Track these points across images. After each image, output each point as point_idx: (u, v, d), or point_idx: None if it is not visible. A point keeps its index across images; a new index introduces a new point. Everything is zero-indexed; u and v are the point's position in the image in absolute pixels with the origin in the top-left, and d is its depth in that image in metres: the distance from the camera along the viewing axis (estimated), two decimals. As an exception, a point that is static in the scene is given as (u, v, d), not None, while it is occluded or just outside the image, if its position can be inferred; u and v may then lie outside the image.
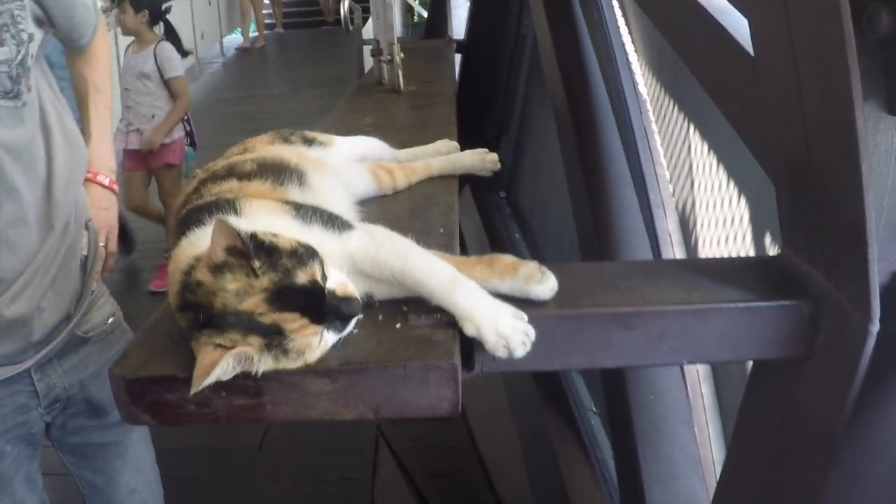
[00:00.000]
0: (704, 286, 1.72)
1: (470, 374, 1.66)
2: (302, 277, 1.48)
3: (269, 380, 1.52)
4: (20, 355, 2.34)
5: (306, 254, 1.52)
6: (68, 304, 2.44)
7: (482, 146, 2.62)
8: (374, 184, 2.34)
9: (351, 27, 8.09)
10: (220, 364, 1.44)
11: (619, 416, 2.88)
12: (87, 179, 2.60)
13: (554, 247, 4.36)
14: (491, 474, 4.43)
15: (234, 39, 19.61)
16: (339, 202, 2.04)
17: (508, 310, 1.58)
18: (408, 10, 14.29)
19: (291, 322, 1.47)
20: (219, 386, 1.49)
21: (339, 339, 1.57)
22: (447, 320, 1.60)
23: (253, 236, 1.50)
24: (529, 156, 5.02)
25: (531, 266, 1.64)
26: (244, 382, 1.51)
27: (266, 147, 2.21)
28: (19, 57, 2.19)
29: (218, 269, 1.48)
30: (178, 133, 7.16)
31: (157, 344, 1.64)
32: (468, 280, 1.61)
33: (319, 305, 1.49)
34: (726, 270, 1.80)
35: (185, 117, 7.26)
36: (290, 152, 2.11)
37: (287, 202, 1.70)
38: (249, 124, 3.47)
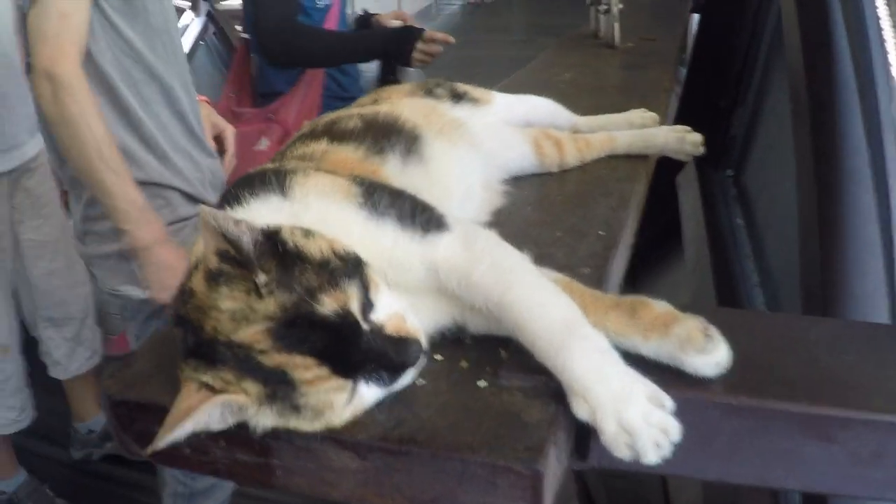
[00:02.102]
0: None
1: (582, 465, 1.05)
2: (327, 305, 0.93)
3: (278, 438, 0.99)
4: None
5: (342, 268, 0.96)
6: None
7: (713, 114, 1.92)
8: (535, 157, 1.73)
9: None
10: (196, 413, 0.95)
11: None
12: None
13: (778, 240, 3.51)
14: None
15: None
16: (463, 183, 1.46)
17: (644, 388, 0.96)
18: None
19: (303, 370, 0.93)
20: (216, 433, 0.99)
21: (388, 395, 0.99)
22: (554, 387, 1.01)
23: (271, 235, 0.96)
24: (763, 132, 4.18)
25: (692, 325, 1.01)
26: (247, 434, 0.99)
27: (399, 99, 1.64)
28: None
29: (213, 278, 0.97)
30: None
31: (165, 357, 1.12)
32: (593, 333, 1.00)
33: (349, 349, 0.94)
34: None
35: None
36: (420, 109, 1.54)
37: (361, 182, 1.12)
38: (477, 68, 3.00)
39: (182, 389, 0.97)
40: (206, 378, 0.96)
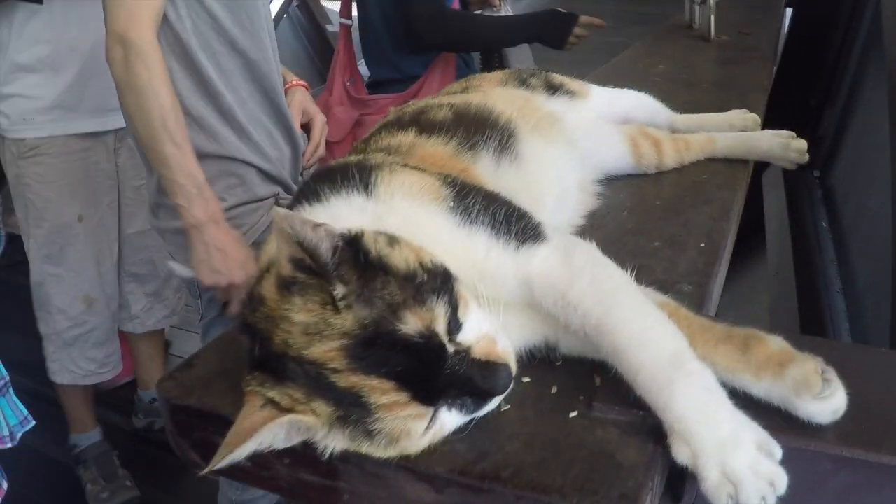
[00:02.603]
0: None
1: (677, 509, 0.93)
2: (411, 323, 0.82)
3: (347, 461, 0.89)
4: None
5: (430, 283, 0.85)
6: None
7: (802, 112, 1.76)
8: (632, 157, 1.59)
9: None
10: (260, 433, 0.85)
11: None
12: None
13: (864, 246, 3.32)
14: None
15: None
16: (560, 184, 1.33)
17: (753, 435, 0.84)
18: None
19: (380, 394, 0.83)
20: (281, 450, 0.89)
21: (471, 422, 0.88)
22: (651, 423, 0.88)
23: (353, 241, 0.86)
24: (854, 133, 3.96)
25: (809, 367, 0.88)
26: (314, 454, 0.89)
27: (491, 88, 1.52)
28: None
29: (286, 286, 0.86)
30: None
31: (229, 361, 1.03)
32: (700, 368, 0.88)
33: (432, 373, 0.83)
34: None
35: None
36: (513, 101, 1.41)
37: (452, 182, 1.01)
38: (561, 54, 2.83)
39: (246, 405, 0.88)
40: (273, 394, 0.86)
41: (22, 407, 1.79)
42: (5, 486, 1.62)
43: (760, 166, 2.74)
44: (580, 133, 1.48)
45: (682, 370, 0.86)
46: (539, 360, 1.01)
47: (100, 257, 2.98)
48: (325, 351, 0.83)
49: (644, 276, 1.18)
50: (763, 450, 0.82)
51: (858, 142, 3.95)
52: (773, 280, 3.40)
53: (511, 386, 0.89)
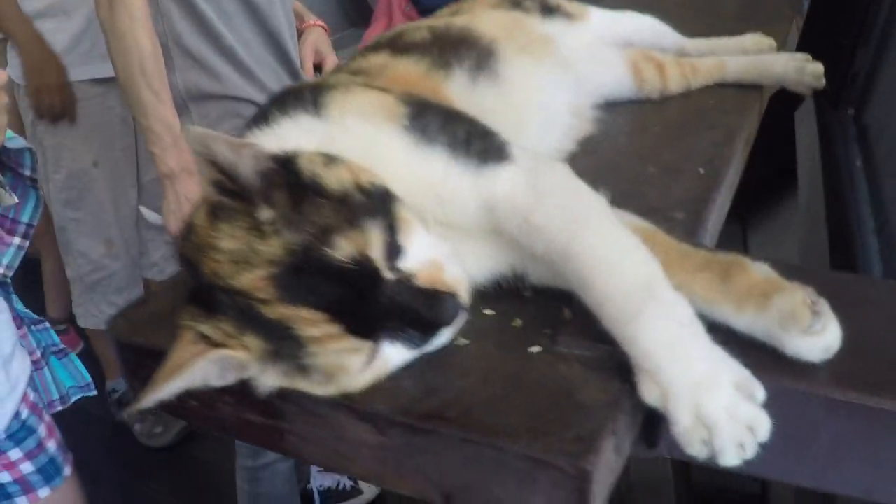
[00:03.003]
0: None
1: (649, 454, 0.83)
2: (342, 248, 0.72)
3: (287, 400, 0.81)
4: None
5: (365, 204, 0.76)
6: None
7: (836, 48, 1.62)
8: (633, 81, 1.47)
9: None
10: (188, 369, 0.77)
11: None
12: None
13: (897, 187, 3.13)
14: None
15: None
16: (546, 107, 1.22)
17: (731, 374, 0.74)
18: None
19: (311, 326, 0.74)
20: (221, 388, 0.81)
21: (420, 356, 0.79)
22: (621, 360, 0.78)
23: (286, 162, 0.78)
24: (889, 70, 3.75)
25: (797, 297, 0.77)
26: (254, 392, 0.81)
27: (481, 11, 1.40)
28: None
29: (213, 212, 0.78)
30: None
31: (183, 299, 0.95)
32: (675, 298, 0.78)
33: (367, 303, 0.74)
34: None
35: None
36: (501, 23, 1.30)
37: (410, 101, 0.91)
38: None
39: (178, 340, 0.79)
40: (204, 328, 0.78)
41: (85, 373, 1.73)
42: (68, 471, 1.57)
43: (795, 103, 2.57)
44: (576, 56, 1.36)
45: (653, 300, 0.76)
46: (506, 292, 0.92)
47: (117, 202, 2.94)
48: (253, 280, 0.74)
49: (635, 203, 1.08)
50: (743, 391, 0.72)
51: (894, 80, 3.75)
52: (803, 220, 3.25)
53: (461, 317, 0.80)
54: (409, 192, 0.84)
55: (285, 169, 0.77)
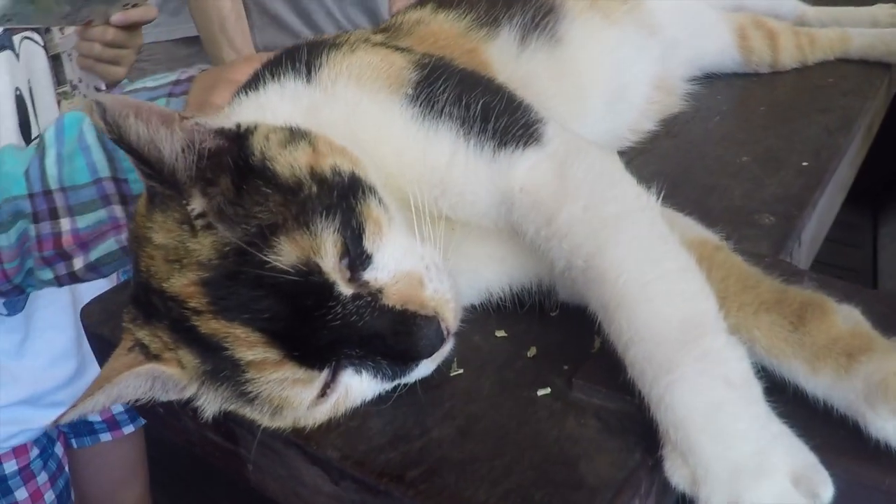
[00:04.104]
0: None
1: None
2: (284, 253, 0.54)
3: (241, 425, 0.63)
4: None
5: (319, 197, 0.57)
6: None
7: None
8: (738, 51, 1.23)
9: None
10: (113, 383, 0.62)
11: None
12: None
13: None
14: None
15: None
16: (617, 77, 1.00)
17: (789, 459, 0.52)
18: None
19: (246, 347, 0.57)
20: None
21: (396, 388, 0.61)
22: (647, 420, 0.57)
23: (239, 139, 0.60)
24: None
25: (891, 364, 0.54)
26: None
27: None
28: None
29: (150, 199, 0.62)
30: None
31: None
32: (724, 348, 0.56)
33: (314, 325, 0.55)
34: None
35: None
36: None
37: (423, 64, 0.72)
38: None
39: (119, 345, 0.64)
40: (141, 335, 0.63)
41: None
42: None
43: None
44: (667, 18, 1.12)
45: (696, 348, 0.55)
46: (530, 310, 0.72)
47: None
48: (184, 285, 0.58)
49: (713, 200, 0.88)
50: (802, 485, 0.51)
51: None
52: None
53: (445, 348, 0.61)
54: (404, 178, 0.66)
55: (237, 147, 0.60)
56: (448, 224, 0.68)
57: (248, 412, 0.61)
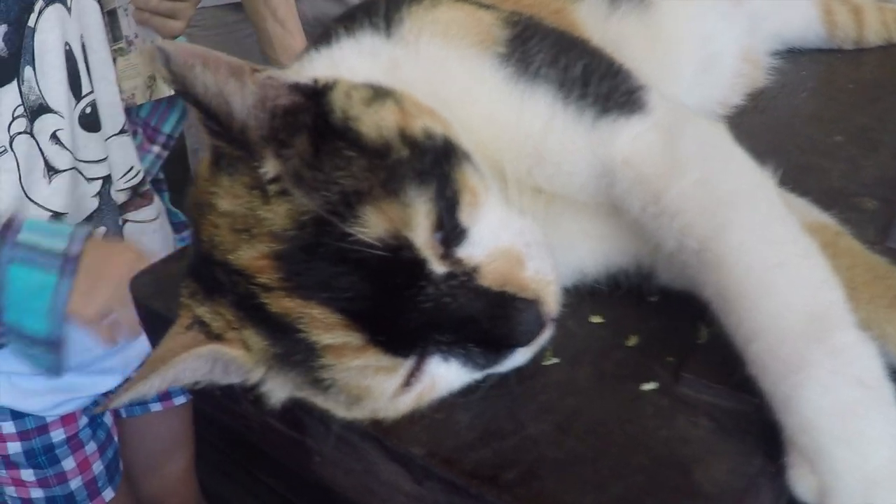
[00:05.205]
0: None
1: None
2: (372, 225, 0.46)
3: (311, 414, 0.56)
4: None
5: (412, 163, 0.50)
6: None
7: None
8: (822, 25, 1.12)
9: None
10: (171, 365, 0.54)
11: None
12: None
13: None
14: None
15: None
16: (707, 45, 0.91)
17: None
18: None
19: (324, 329, 0.49)
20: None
21: (485, 379, 0.53)
22: (768, 421, 0.49)
23: (317, 96, 0.52)
24: None
25: None
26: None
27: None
28: None
29: (215, 161, 0.54)
30: None
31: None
32: (857, 340, 0.47)
33: (402, 306, 0.47)
34: None
35: None
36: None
37: (513, 22, 0.63)
38: None
39: (176, 320, 0.56)
40: (201, 311, 0.55)
41: None
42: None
43: None
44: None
45: (825, 344, 0.46)
46: (625, 294, 0.63)
47: None
48: (254, 257, 0.50)
49: (811, 181, 0.78)
50: None
51: None
52: None
53: (545, 332, 0.53)
54: (494, 145, 0.58)
55: (314, 105, 0.52)
56: (541, 196, 0.60)
57: (320, 401, 0.54)
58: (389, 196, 0.48)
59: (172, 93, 1.26)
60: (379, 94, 0.53)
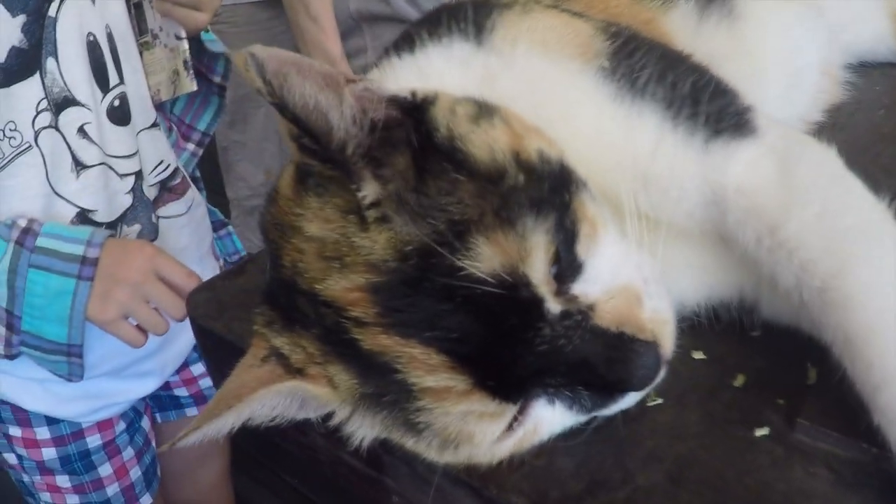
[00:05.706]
0: None
1: None
2: (485, 259, 0.41)
3: (392, 453, 0.51)
4: None
5: (530, 190, 0.44)
6: None
7: None
8: (892, 38, 1.06)
9: None
10: (246, 401, 0.49)
11: None
12: None
13: None
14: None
15: None
16: (794, 61, 0.86)
17: None
18: None
19: (425, 370, 0.45)
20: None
21: (591, 422, 0.48)
22: (883, 468, 0.45)
23: (415, 111, 0.47)
24: None
25: None
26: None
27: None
28: None
29: (300, 176, 0.48)
30: None
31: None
32: None
33: (515, 349, 0.42)
34: None
35: None
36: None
37: (614, 33, 0.58)
38: None
39: (248, 352, 0.51)
40: (280, 342, 0.50)
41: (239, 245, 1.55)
42: None
43: None
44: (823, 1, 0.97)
45: None
46: (725, 327, 0.58)
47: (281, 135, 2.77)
48: (347, 289, 0.45)
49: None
50: None
51: None
52: None
53: (660, 376, 0.48)
54: (598, 167, 0.52)
55: (413, 120, 0.47)
56: (647, 224, 0.55)
57: (410, 444, 0.49)
58: (504, 226, 0.43)
59: (195, 88, 1.21)
60: (484, 110, 0.48)
